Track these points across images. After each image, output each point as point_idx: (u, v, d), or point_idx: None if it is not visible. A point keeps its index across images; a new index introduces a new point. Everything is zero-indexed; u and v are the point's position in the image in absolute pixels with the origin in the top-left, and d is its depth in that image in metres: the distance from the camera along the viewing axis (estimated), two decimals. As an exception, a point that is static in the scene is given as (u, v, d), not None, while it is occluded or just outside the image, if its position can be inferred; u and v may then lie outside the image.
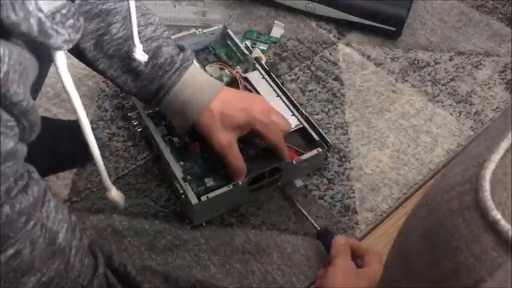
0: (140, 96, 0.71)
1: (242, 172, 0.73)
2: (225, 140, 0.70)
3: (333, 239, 0.71)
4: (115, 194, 0.59)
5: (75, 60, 0.82)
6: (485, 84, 0.99)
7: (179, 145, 0.79)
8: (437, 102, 0.96)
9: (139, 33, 0.65)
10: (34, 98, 0.59)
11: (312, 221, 0.76)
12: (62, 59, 0.45)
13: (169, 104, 0.70)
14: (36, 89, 0.60)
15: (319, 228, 0.75)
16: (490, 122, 0.93)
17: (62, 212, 0.46)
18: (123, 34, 0.66)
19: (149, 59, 0.66)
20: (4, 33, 0.36)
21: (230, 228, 0.76)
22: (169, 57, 0.68)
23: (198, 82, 0.70)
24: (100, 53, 0.67)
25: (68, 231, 0.45)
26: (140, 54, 0.64)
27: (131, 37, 0.63)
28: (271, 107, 0.75)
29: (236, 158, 0.72)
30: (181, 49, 0.71)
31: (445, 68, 1.02)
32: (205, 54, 0.94)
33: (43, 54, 0.46)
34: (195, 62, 0.72)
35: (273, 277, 0.72)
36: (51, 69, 0.96)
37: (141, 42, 0.65)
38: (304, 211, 0.77)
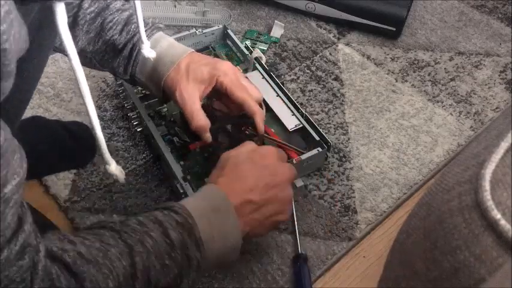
0: (117, 65, 0.71)
1: (204, 128, 0.71)
2: (187, 93, 0.69)
3: (303, 268, 0.71)
4: (115, 168, 0.57)
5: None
6: (485, 84, 0.99)
7: (179, 145, 0.79)
8: (437, 102, 0.96)
9: (108, 5, 0.68)
10: (34, 87, 0.58)
11: (299, 243, 0.74)
12: (62, 13, 0.44)
13: (143, 65, 0.71)
14: (36, 76, 0.59)
15: (300, 252, 0.73)
16: (490, 122, 0.93)
17: None
18: (95, 8, 0.68)
19: (122, 26, 0.69)
20: None
21: (230, 228, 0.76)
22: None
23: (168, 41, 0.72)
24: (77, 30, 0.68)
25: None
26: (148, 51, 0.65)
27: (139, 33, 0.63)
28: (240, 73, 0.76)
29: (197, 113, 0.70)
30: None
31: (445, 68, 1.02)
32: (205, 54, 0.93)
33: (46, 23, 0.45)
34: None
35: (273, 277, 0.72)
36: (51, 70, 0.97)
37: (112, 13, 0.68)
38: (297, 228, 0.76)
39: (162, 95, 0.72)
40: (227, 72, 0.71)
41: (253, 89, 0.74)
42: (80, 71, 0.48)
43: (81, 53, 0.69)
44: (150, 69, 0.71)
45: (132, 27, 0.70)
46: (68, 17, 0.65)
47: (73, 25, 0.68)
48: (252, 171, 0.61)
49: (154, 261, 0.49)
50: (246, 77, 0.77)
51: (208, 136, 0.72)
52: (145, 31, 0.68)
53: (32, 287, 0.41)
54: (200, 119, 0.70)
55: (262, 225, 0.62)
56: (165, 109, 0.84)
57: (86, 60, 0.71)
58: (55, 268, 0.43)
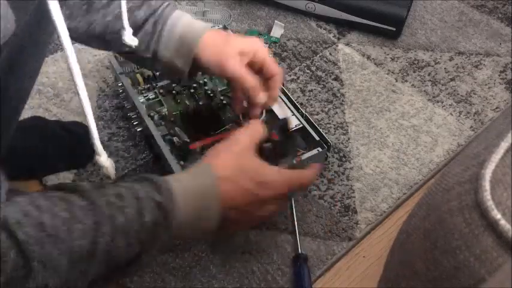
0: (140, 43, 0.68)
1: (258, 89, 0.69)
2: (234, 60, 0.67)
3: (303, 268, 0.71)
4: (105, 159, 0.54)
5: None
6: (485, 84, 0.99)
7: (179, 145, 0.79)
8: (437, 102, 0.96)
9: None
10: (31, 85, 0.58)
11: (299, 244, 0.75)
12: (56, 8, 0.43)
13: (168, 40, 0.68)
14: (33, 74, 0.59)
15: (299, 252, 0.73)
16: (490, 122, 0.93)
17: None
18: None
19: (142, 4, 0.67)
20: None
21: (230, 228, 0.76)
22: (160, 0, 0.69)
23: (189, 17, 0.70)
24: (94, 15, 0.67)
25: None
26: (130, 39, 0.63)
27: (162, 7, 0.63)
28: None
29: (247, 75, 0.68)
30: None
31: (445, 68, 1.02)
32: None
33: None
34: None
35: (273, 277, 0.72)
36: (51, 70, 0.97)
37: None
38: (297, 228, 0.76)
39: (188, 69, 0.70)
40: (264, 47, 0.71)
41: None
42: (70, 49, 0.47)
43: (100, 37, 0.69)
44: (176, 42, 0.68)
45: (152, 3, 0.68)
46: (83, 4, 0.65)
47: (87, 11, 0.66)
48: (247, 191, 0.58)
49: (119, 241, 0.47)
50: None
51: (261, 97, 0.69)
52: (166, 6, 0.68)
53: None
54: (252, 80, 0.68)
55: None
56: (165, 109, 0.84)
57: (104, 44, 0.70)
58: (7, 242, 0.41)
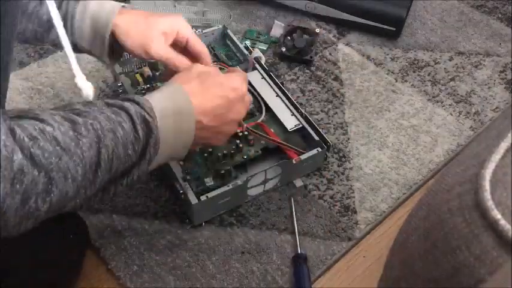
0: (55, 37, 0.65)
1: (187, 63, 0.69)
2: (162, 44, 0.68)
3: (303, 268, 0.71)
4: (83, 81, 0.56)
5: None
6: (485, 84, 0.99)
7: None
8: (437, 102, 0.96)
9: None
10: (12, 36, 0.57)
11: (298, 244, 0.75)
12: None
13: (81, 32, 0.67)
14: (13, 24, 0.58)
15: (299, 252, 0.74)
16: (490, 122, 0.93)
17: None
18: None
19: (41, 2, 0.66)
20: None
21: (230, 228, 0.76)
22: None
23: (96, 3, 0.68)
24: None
25: None
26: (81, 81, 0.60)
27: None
28: None
29: (177, 57, 0.69)
30: None
31: (444, 68, 1.02)
32: (205, 54, 0.93)
33: None
34: None
35: (273, 277, 0.72)
36: (51, 70, 0.97)
37: None
38: (296, 228, 0.76)
39: (107, 56, 0.69)
40: (186, 25, 0.70)
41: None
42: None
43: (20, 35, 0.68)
44: (89, 34, 0.67)
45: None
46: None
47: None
48: (216, 98, 0.62)
49: (121, 151, 0.51)
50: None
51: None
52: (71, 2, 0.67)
53: None
54: (179, 60, 0.69)
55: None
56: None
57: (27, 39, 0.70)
58: (24, 160, 0.43)
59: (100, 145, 0.49)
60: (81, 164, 0.47)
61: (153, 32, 0.68)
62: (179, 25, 0.69)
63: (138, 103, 0.54)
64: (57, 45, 0.65)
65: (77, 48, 0.69)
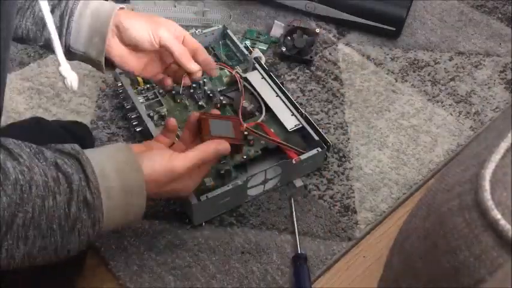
0: (48, 37, 0.66)
1: (169, 82, 0.74)
2: (167, 31, 0.70)
3: (303, 268, 0.71)
4: (67, 70, 0.54)
5: (75, 61, 0.82)
6: (485, 84, 0.99)
7: (179, 145, 0.79)
8: (437, 102, 0.96)
9: None
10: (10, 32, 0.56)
11: (298, 244, 0.75)
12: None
13: (78, 31, 0.66)
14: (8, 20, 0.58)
15: (299, 252, 0.74)
16: (490, 122, 0.93)
17: None
18: None
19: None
20: None
21: (230, 228, 0.76)
22: None
23: (96, 3, 0.68)
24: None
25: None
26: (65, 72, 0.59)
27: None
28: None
29: (184, 49, 0.71)
30: None
31: (444, 68, 1.02)
32: (205, 54, 0.93)
33: None
34: None
35: (273, 277, 0.72)
36: (51, 70, 0.97)
37: None
38: (296, 228, 0.76)
39: (103, 59, 0.68)
40: (180, 28, 0.72)
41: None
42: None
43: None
44: (87, 32, 0.66)
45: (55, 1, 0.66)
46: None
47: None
48: (167, 187, 0.61)
49: (43, 221, 0.47)
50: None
51: (194, 65, 0.71)
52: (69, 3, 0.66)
53: None
54: (183, 47, 0.70)
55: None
56: (165, 109, 0.84)
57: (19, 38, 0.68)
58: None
59: (19, 209, 0.45)
60: None
61: (160, 19, 0.70)
62: (175, 25, 0.71)
63: (87, 177, 0.51)
64: (50, 47, 0.62)
65: (69, 53, 0.68)
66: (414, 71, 1.01)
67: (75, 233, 0.50)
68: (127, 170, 0.55)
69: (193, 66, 0.71)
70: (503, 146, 0.31)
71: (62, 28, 0.66)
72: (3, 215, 0.44)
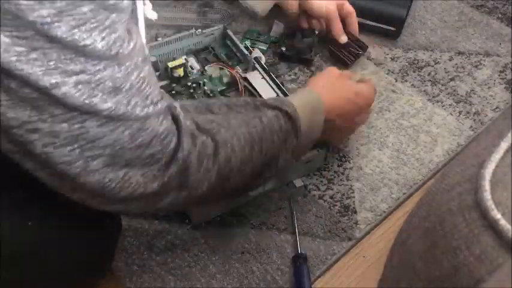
0: None
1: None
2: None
3: (303, 268, 0.71)
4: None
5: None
6: (485, 84, 0.99)
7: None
8: (437, 102, 0.96)
9: None
10: None
11: (298, 244, 0.75)
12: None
13: None
14: None
15: (299, 252, 0.74)
16: (490, 122, 0.93)
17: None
18: None
19: None
20: None
21: (230, 228, 0.76)
22: None
23: None
24: None
25: None
26: (150, 13, 0.64)
27: None
28: None
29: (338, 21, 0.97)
30: None
31: (444, 68, 1.02)
32: (205, 54, 0.93)
33: None
34: None
35: (273, 277, 0.72)
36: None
37: None
38: (296, 228, 0.76)
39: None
40: None
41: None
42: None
43: None
44: None
45: None
46: None
47: None
48: (342, 99, 0.74)
49: (268, 135, 0.60)
50: None
51: (343, 38, 0.98)
52: None
53: (179, 145, 0.52)
54: (339, 24, 0.97)
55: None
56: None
57: None
58: (190, 124, 0.54)
59: (250, 125, 0.59)
60: (235, 136, 0.57)
61: None
62: None
63: (281, 104, 0.64)
64: None
65: None
66: (414, 71, 1.01)
67: (287, 143, 0.63)
68: (309, 96, 0.71)
69: (342, 40, 0.96)
70: (503, 146, 0.31)
71: None
72: (243, 131, 0.58)
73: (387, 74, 1.00)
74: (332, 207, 0.79)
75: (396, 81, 0.99)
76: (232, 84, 0.88)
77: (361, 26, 1.06)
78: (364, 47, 0.99)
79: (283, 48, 0.98)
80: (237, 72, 0.88)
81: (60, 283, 0.59)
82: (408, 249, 0.36)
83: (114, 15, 0.43)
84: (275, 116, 0.62)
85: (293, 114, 0.64)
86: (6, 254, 0.50)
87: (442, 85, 0.99)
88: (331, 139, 0.80)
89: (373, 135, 0.89)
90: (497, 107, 0.95)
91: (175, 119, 0.52)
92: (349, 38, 0.98)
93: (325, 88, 0.73)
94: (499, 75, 1.01)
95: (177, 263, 0.72)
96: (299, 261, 0.72)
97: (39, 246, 0.53)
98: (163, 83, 0.87)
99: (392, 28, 1.04)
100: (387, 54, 1.03)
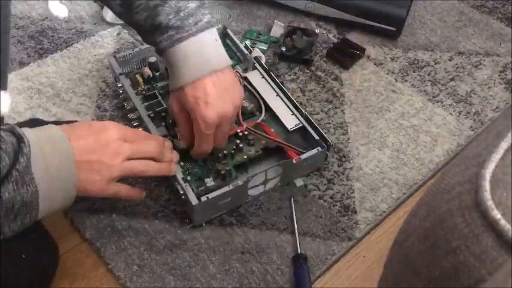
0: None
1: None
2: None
3: (303, 268, 0.71)
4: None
5: (75, 60, 0.83)
6: (485, 84, 0.99)
7: (179, 145, 0.79)
8: (437, 102, 0.96)
9: None
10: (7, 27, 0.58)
11: (298, 244, 0.74)
12: None
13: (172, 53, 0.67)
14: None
15: (299, 252, 0.73)
16: (490, 122, 0.93)
17: None
18: None
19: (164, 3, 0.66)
20: None
21: (230, 228, 0.76)
22: (195, 8, 0.67)
23: (212, 48, 0.70)
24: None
25: None
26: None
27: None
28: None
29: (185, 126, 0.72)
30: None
31: (444, 68, 1.02)
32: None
33: None
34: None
35: (273, 277, 0.72)
36: (51, 69, 0.97)
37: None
38: (296, 228, 0.76)
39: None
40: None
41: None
42: None
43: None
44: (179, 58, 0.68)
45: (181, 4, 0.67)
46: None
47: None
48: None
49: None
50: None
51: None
52: (195, 23, 0.66)
53: None
54: (185, 128, 0.73)
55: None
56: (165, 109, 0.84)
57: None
58: None
59: None
60: None
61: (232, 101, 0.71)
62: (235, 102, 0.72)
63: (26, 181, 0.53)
64: None
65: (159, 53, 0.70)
66: (414, 71, 1.01)
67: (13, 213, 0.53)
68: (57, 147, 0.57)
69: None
70: (503, 146, 0.32)
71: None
72: None
73: (387, 74, 1.00)
74: (332, 207, 0.80)
75: (396, 81, 0.99)
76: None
77: (361, 26, 1.06)
78: (362, 50, 1.00)
79: (283, 48, 0.98)
80: (237, 72, 0.88)
81: None
82: (408, 249, 0.36)
83: None
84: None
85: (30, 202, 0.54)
86: None
87: (442, 85, 0.99)
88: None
89: (373, 135, 0.89)
90: (497, 107, 0.95)
91: None
92: (347, 43, 0.97)
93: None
94: (499, 75, 1.01)
95: (177, 263, 0.72)
96: (299, 261, 0.72)
97: None
98: (164, 83, 0.87)
99: (392, 28, 1.04)
100: (387, 54, 1.03)
